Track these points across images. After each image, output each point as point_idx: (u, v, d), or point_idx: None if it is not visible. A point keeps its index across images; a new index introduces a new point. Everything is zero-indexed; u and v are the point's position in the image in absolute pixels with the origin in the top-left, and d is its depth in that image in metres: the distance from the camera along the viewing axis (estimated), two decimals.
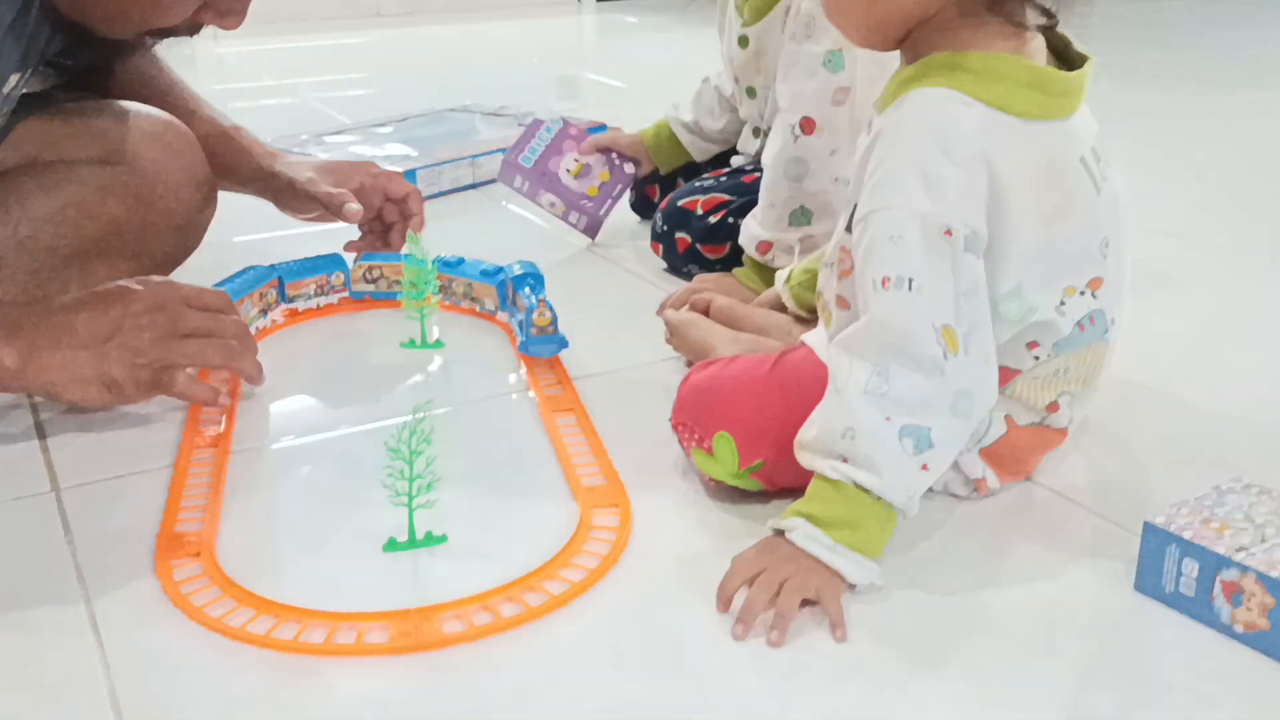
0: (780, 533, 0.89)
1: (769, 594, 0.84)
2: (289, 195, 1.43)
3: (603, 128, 2.06)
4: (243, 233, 1.72)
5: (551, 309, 1.26)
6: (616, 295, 1.52)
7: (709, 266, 1.51)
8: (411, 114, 2.30)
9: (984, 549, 0.95)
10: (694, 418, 0.97)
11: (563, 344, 1.27)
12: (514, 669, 0.81)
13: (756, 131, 1.56)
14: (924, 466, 0.86)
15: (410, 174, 1.90)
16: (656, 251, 1.58)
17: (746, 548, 0.90)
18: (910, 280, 0.86)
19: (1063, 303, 0.93)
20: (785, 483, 0.98)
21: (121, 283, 1.11)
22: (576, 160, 1.68)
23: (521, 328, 1.28)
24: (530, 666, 0.81)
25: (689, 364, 1.27)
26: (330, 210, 1.40)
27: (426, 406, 0.91)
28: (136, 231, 1.28)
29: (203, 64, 3.53)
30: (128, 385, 1.07)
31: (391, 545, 0.94)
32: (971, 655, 0.82)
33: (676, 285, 1.53)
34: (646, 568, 0.92)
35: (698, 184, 1.56)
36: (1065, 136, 0.92)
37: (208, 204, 1.35)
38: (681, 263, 1.54)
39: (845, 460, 0.87)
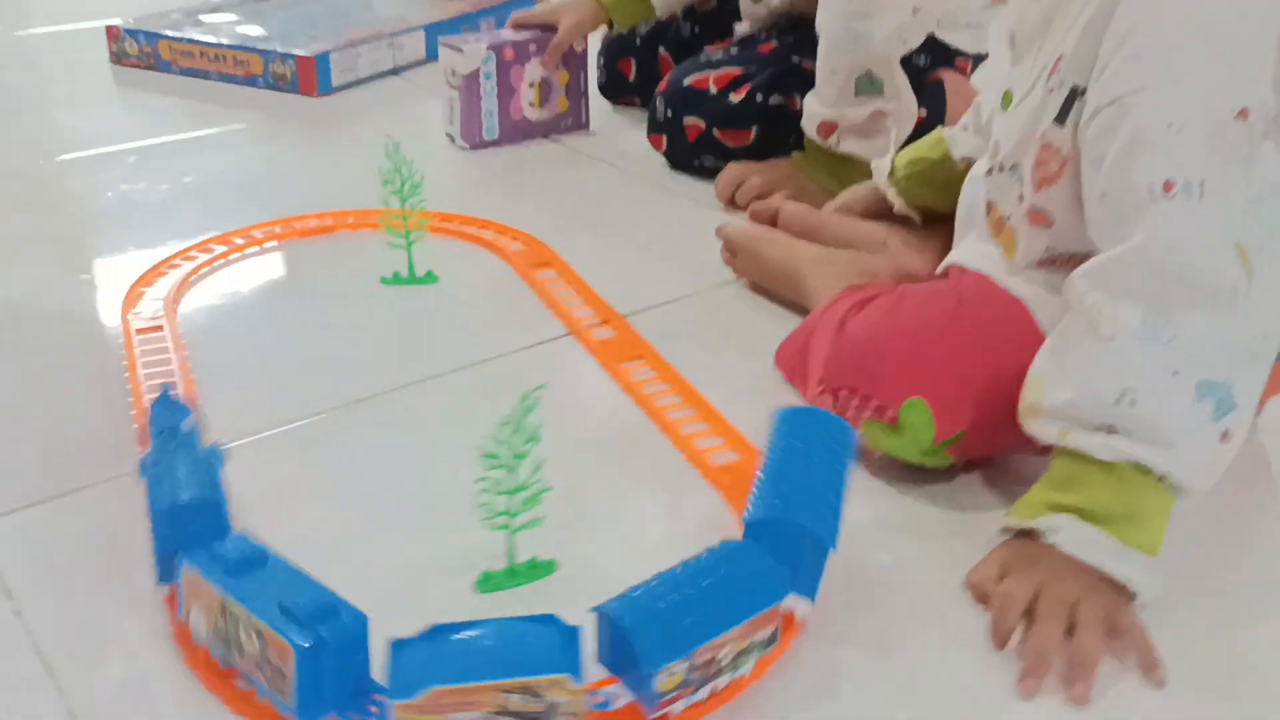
0: (1026, 533, 0.66)
1: (1061, 628, 0.62)
2: None
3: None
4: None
5: None
6: (625, 207, 1.25)
7: (729, 157, 1.25)
8: None
9: (1232, 517, 0.74)
10: (869, 382, 0.74)
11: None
12: None
13: None
14: (1224, 435, 0.65)
15: (323, 59, 1.57)
16: (657, 146, 1.31)
17: (982, 560, 0.68)
18: (1201, 183, 0.64)
19: None
20: (976, 453, 0.76)
21: None
22: (531, 85, 1.39)
23: None
24: None
25: (752, 286, 1.04)
26: None
27: (535, 394, 0.64)
28: None
29: None
30: None
31: (488, 583, 0.68)
32: None
33: (688, 185, 1.28)
34: (852, 587, 0.68)
35: (703, 59, 1.29)
36: None
37: None
38: (692, 154, 1.28)
39: (1113, 431, 0.65)
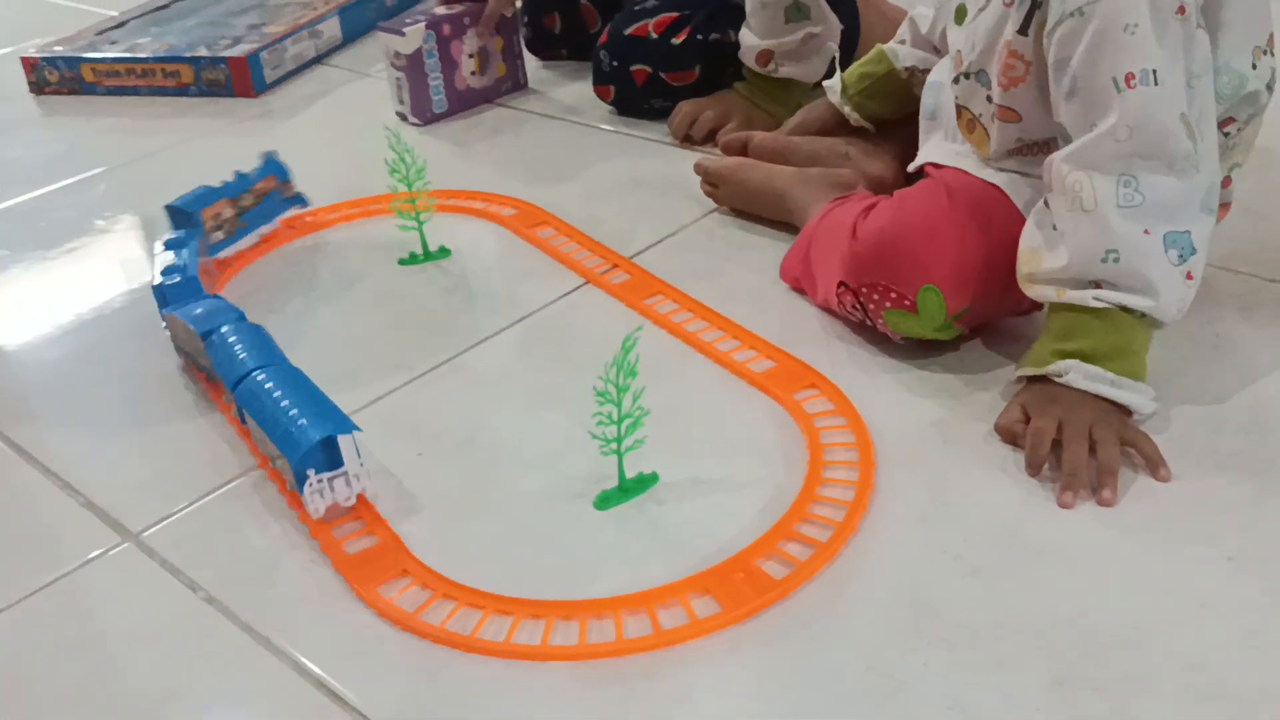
0: (1039, 379, 0.81)
1: (1085, 449, 0.76)
2: None
3: None
4: None
5: None
6: (588, 156, 1.35)
7: (676, 96, 1.36)
8: None
9: (1198, 339, 0.90)
10: (890, 276, 0.86)
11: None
12: (862, 568, 0.71)
13: None
14: (1188, 275, 0.79)
15: (255, 58, 1.62)
16: (604, 96, 1.42)
17: (1006, 407, 0.82)
18: (1154, 72, 0.77)
19: (1254, 65, 0.86)
20: (978, 321, 0.90)
21: None
22: (470, 55, 1.47)
23: None
24: (874, 570, 0.71)
25: (733, 212, 1.16)
26: None
27: (635, 336, 0.76)
28: None
29: None
30: None
31: (606, 500, 0.80)
32: None
33: (640, 127, 1.39)
34: (903, 449, 0.82)
35: (637, 8, 1.39)
36: None
37: None
38: (641, 98, 1.39)
39: (1101, 285, 0.79)
